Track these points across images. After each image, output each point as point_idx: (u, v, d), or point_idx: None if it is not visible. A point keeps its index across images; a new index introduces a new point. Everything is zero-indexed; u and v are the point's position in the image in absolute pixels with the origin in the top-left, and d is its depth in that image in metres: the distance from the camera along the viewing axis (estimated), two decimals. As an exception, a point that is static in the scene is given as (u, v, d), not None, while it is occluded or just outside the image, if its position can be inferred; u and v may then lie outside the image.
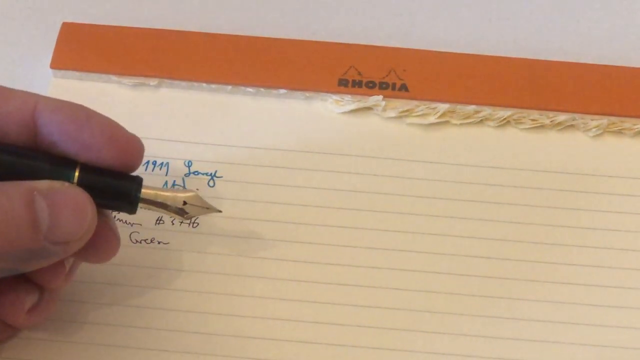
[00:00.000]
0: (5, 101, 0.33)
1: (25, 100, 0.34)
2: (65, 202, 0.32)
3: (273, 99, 0.43)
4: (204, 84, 0.43)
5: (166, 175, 0.41)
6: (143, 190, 0.34)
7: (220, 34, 0.44)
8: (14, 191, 0.31)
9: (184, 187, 0.41)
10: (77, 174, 0.33)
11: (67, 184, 0.33)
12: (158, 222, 0.40)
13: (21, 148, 0.33)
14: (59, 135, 0.33)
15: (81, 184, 0.33)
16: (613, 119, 0.42)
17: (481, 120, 0.42)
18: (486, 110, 0.42)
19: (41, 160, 0.33)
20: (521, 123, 0.42)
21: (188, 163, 0.41)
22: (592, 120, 0.42)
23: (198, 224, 0.40)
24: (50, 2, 0.46)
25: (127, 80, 0.43)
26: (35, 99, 0.34)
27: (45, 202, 0.32)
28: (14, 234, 0.31)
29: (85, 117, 0.34)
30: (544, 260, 0.39)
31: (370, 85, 0.43)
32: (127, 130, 0.34)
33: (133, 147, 0.34)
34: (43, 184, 0.32)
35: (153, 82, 0.43)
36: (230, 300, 0.38)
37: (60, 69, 0.43)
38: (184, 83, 0.43)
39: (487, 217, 0.40)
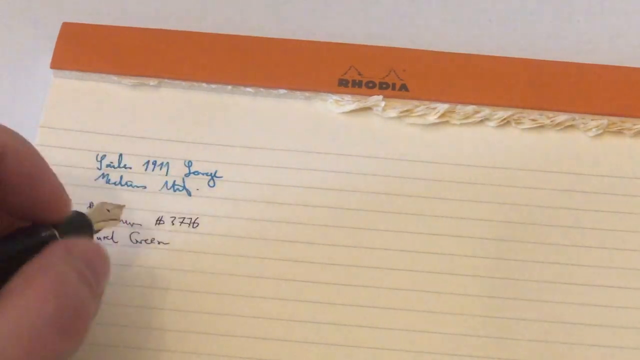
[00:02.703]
0: None
1: None
2: (99, 259, 0.33)
3: (273, 99, 0.43)
4: (204, 84, 0.43)
5: (166, 175, 0.41)
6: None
7: (220, 34, 0.44)
8: (71, 277, 0.31)
9: (184, 187, 0.41)
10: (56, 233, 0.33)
11: (84, 240, 0.33)
12: (158, 222, 0.40)
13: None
14: (11, 185, 0.32)
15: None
16: (613, 119, 0.42)
17: (481, 120, 0.42)
18: (486, 110, 0.42)
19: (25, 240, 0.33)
20: (521, 123, 0.42)
21: (188, 163, 0.41)
22: (592, 120, 0.42)
23: (198, 224, 0.40)
24: (50, 2, 0.46)
25: (127, 80, 0.43)
26: (5, 140, 0.32)
27: (88, 270, 0.32)
28: (88, 319, 0.31)
29: (42, 175, 0.33)
30: (544, 260, 0.39)
31: (370, 85, 0.43)
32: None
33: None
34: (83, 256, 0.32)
35: (153, 82, 0.43)
36: (230, 300, 0.38)
37: (60, 69, 0.43)
38: (184, 83, 0.43)
39: (487, 217, 0.40)
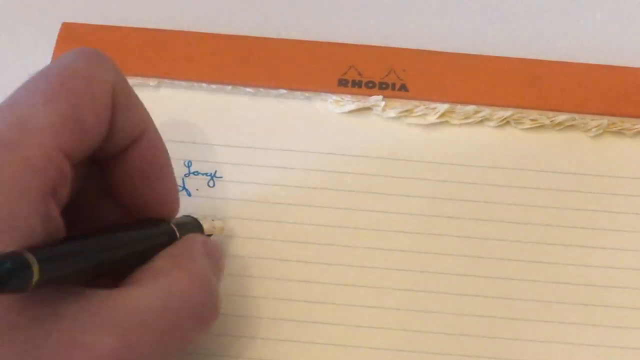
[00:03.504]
0: (131, 110, 0.31)
1: (141, 119, 0.31)
2: (222, 259, 0.34)
3: (273, 99, 0.43)
4: (204, 84, 0.43)
5: (166, 175, 0.41)
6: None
7: (220, 34, 0.44)
8: (205, 268, 0.31)
9: (183, 188, 0.41)
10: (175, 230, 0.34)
11: (212, 239, 0.35)
12: (158, 222, 0.40)
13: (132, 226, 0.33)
14: (135, 171, 0.32)
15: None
16: (613, 119, 0.42)
17: (481, 120, 0.42)
18: (486, 110, 0.42)
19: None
20: (521, 123, 0.42)
21: (188, 163, 0.41)
22: (592, 120, 0.42)
23: (198, 224, 0.40)
24: (50, 2, 0.46)
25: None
26: (146, 124, 0.32)
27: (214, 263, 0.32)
28: (217, 317, 0.32)
29: (167, 169, 0.33)
30: (544, 260, 0.39)
31: (370, 85, 0.43)
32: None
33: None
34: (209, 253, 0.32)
35: (153, 82, 0.43)
36: (231, 300, 0.38)
37: (60, 69, 0.43)
38: (184, 83, 0.43)
39: (487, 217, 0.40)
